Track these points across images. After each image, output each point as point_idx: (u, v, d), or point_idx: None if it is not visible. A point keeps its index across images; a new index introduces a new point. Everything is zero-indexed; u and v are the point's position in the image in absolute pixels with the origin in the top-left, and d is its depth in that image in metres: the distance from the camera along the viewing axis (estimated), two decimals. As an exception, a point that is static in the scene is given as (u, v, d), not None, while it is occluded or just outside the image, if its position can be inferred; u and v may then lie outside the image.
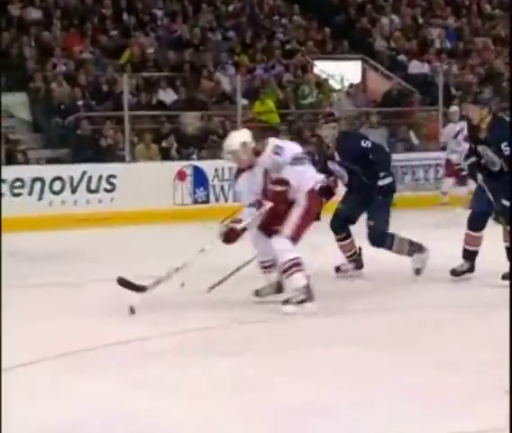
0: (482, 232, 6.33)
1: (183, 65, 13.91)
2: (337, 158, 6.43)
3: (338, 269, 6.69)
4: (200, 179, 11.41)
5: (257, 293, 5.71)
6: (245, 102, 13.11)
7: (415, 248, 6.50)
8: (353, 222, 6.61)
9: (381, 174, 6.39)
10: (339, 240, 6.65)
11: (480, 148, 6.29)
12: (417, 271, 6.50)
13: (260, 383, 3.89)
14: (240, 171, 5.64)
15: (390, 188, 6.48)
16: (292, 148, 5.43)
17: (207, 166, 11.48)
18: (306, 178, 5.45)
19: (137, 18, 14.81)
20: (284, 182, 5.38)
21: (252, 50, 14.90)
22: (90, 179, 10.99)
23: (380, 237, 6.42)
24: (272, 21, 16.06)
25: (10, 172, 10.77)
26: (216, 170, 11.40)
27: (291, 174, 5.36)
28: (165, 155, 12.17)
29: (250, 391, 3.78)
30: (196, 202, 11.28)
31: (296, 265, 5.24)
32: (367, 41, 16.31)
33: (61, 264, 7.70)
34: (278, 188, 5.39)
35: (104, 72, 13.30)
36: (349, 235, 6.66)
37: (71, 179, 10.93)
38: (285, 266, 5.25)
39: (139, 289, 5.40)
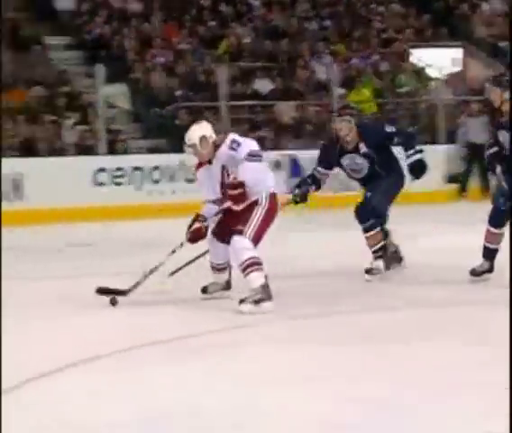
0: (504, 228, 6.02)
1: (279, 55, 13.97)
2: (363, 149, 6.23)
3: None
4: (295, 168, 11.44)
5: (204, 290, 5.68)
6: (341, 91, 13.06)
7: (382, 255, 6.28)
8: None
9: (410, 152, 6.22)
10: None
11: (501, 134, 6.02)
12: (368, 271, 6.25)
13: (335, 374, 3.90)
14: (199, 165, 5.57)
15: (420, 166, 6.24)
16: (249, 144, 5.30)
17: (303, 155, 11.49)
18: (263, 177, 5.38)
19: (234, 8, 14.95)
20: (239, 185, 5.32)
21: (349, 39, 14.83)
22: (188, 168, 11.18)
23: (368, 212, 6.21)
24: (369, 9, 15.93)
25: (111, 162, 11.08)
26: (312, 159, 11.38)
27: (245, 170, 5.25)
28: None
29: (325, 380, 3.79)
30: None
31: (254, 264, 5.17)
32: (467, 27, 15.97)
33: (159, 253, 7.85)
34: (235, 192, 5.35)
35: (201, 62, 13.49)
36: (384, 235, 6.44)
37: (170, 168, 11.15)
38: (243, 265, 5.18)
39: (119, 293, 5.43)
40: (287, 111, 12.98)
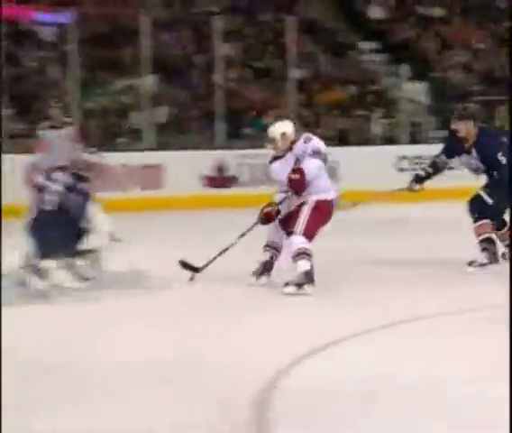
0: None
1: None
2: (474, 155, 6.38)
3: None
4: None
5: (254, 273, 5.96)
6: None
7: (488, 248, 6.25)
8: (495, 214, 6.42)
9: (488, 185, 6.35)
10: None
11: None
12: (471, 263, 6.26)
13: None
14: (274, 158, 5.94)
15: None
16: (317, 142, 5.75)
17: None
18: (318, 175, 5.72)
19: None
20: (299, 171, 5.70)
21: None
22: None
23: (477, 203, 6.32)
24: None
25: (412, 150, 12.74)
26: None
27: (306, 163, 5.68)
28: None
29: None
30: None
31: (304, 253, 5.57)
32: None
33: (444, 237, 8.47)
34: (293, 176, 5.73)
35: (497, 59, 14.66)
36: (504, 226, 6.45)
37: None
38: (295, 253, 5.60)
39: (194, 269, 5.94)
40: None
